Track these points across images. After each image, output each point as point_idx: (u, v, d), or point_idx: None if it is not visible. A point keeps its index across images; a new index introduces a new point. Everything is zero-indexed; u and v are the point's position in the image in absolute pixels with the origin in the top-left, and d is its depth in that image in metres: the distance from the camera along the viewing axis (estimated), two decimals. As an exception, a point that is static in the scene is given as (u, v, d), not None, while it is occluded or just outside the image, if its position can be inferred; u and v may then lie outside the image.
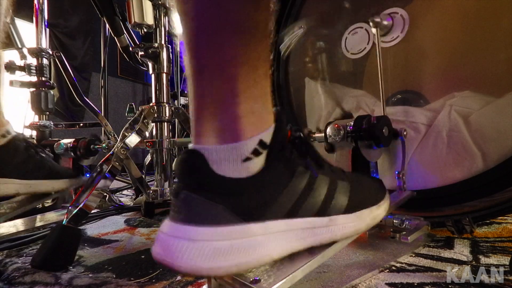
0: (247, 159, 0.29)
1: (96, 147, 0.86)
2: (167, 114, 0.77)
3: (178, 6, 0.30)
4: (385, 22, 0.62)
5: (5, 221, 0.68)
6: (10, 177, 0.62)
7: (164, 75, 0.78)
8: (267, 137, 0.31)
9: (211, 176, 0.29)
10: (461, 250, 0.49)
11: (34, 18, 0.98)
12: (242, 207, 0.29)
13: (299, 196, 0.32)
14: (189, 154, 0.30)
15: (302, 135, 0.35)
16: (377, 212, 0.39)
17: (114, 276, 0.43)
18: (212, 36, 0.29)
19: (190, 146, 0.32)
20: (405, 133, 0.53)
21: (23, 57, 0.99)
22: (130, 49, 0.93)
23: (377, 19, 0.59)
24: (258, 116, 0.31)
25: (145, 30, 0.77)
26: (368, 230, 0.52)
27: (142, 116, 0.72)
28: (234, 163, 0.29)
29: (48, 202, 0.87)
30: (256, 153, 0.30)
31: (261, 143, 0.30)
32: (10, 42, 0.99)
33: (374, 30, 0.60)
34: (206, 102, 0.31)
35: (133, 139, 0.66)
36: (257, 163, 0.30)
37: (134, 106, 1.37)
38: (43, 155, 0.73)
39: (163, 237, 0.29)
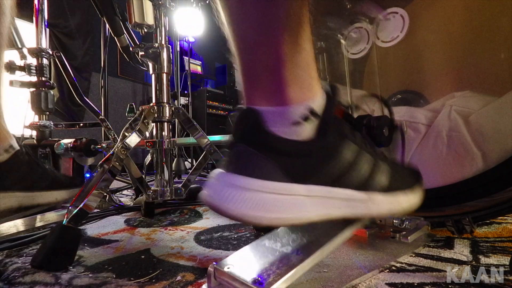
0: (297, 123, 0.31)
1: (96, 147, 0.86)
2: (167, 114, 0.77)
3: None
4: (353, 35, 0.63)
5: (5, 221, 0.68)
6: (12, 190, 0.62)
7: (164, 75, 0.78)
8: (316, 105, 0.32)
9: (267, 134, 0.31)
10: (461, 250, 0.49)
11: (34, 18, 0.98)
12: (292, 168, 0.31)
13: (344, 168, 0.34)
14: (245, 112, 0.32)
15: (351, 115, 0.37)
16: (412, 196, 0.40)
17: (114, 276, 0.43)
18: (251, 4, 0.30)
19: (241, 107, 0.34)
20: (404, 127, 0.53)
21: (23, 57, 0.98)
22: (130, 49, 0.93)
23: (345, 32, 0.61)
24: (304, 83, 0.32)
25: (145, 30, 0.77)
26: (368, 230, 0.52)
27: (142, 116, 0.72)
28: (284, 125, 0.31)
29: (48, 202, 0.87)
30: (305, 119, 0.31)
31: (311, 111, 0.31)
32: (10, 42, 0.99)
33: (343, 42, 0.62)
34: (254, 71, 0.33)
35: (133, 139, 0.66)
36: (307, 129, 0.32)
37: (134, 106, 1.37)
38: (46, 166, 0.73)
39: (215, 183, 0.31)
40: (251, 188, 0.30)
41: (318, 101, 0.32)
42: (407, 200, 0.39)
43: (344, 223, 0.39)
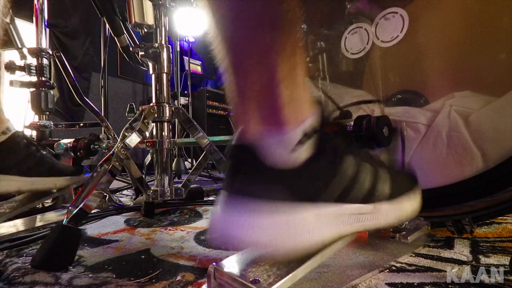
0: (294, 149, 0.31)
1: (96, 147, 0.86)
2: (167, 114, 0.77)
3: (208, 6, 0.31)
4: (353, 35, 0.63)
5: (5, 221, 0.68)
6: (11, 173, 0.62)
7: (165, 75, 0.78)
8: (310, 125, 0.32)
9: (264, 167, 0.30)
10: (461, 250, 0.49)
11: (34, 18, 0.98)
12: (296, 191, 0.31)
13: (347, 183, 0.33)
14: (238, 149, 0.32)
15: (338, 124, 0.36)
16: (414, 199, 0.40)
17: (114, 276, 0.43)
18: (244, 29, 0.30)
19: (236, 142, 0.33)
20: (404, 128, 0.53)
21: (23, 57, 0.99)
22: (130, 49, 0.93)
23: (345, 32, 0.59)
24: (299, 104, 0.32)
25: (145, 30, 0.77)
26: (368, 230, 0.52)
27: (142, 116, 0.72)
28: (283, 155, 0.31)
29: (48, 202, 0.87)
30: (302, 142, 0.31)
31: (306, 132, 0.31)
32: (10, 42, 0.99)
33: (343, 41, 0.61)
34: (248, 95, 0.32)
35: (133, 139, 0.66)
36: (305, 151, 0.31)
37: (134, 106, 1.37)
38: (44, 152, 0.73)
39: (222, 217, 0.31)
40: (262, 213, 0.30)
41: (310, 122, 0.32)
42: (410, 205, 0.39)
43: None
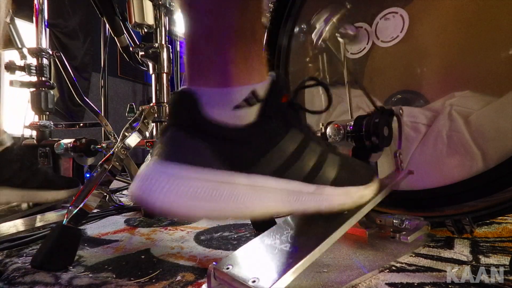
0: (238, 106, 0.28)
1: (96, 147, 0.86)
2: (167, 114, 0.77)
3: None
4: (353, 35, 0.63)
5: (5, 221, 0.68)
6: (3, 186, 0.62)
7: (165, 75, 0.78)
8: (260, 90, 0.30)
9: (201, 118, 0.28)
10: (461, 250, 0.49)
11: (34, 18, 0.98)
12: (231, 155, 0.28)
13: (288, 157, 0.31)
14: (181, 94, 0.29)
15: (298, 104, 0.35)
16: (364, 192, 0.39)
17: (114, 276, 0.43)
18: None
19: (183, 87, 0.31)
20: (401, 111, 0.52)
21: (23, 57, 0.99)
22: (130, 49, 0.93)
23: (343, 31, 0.60)
24: (251, 65, 0.30)
25: (145, 30, 0.77)
26: (368, 230, 0.52)
27: (143, 116, 0.72)
28: (224, 108, 0.28)
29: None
30: (248, 102, 0.29)
31: (254, 93, 0.29)
32: (10, 42, 0.99)
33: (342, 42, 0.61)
34: (201, 41, 0.30)
35: (133, 139, 0.66)
36: (249, 114, 0.29)
37: (134, 106, 1.37)
38: (39, 165, 0.73)
39: (144, 173, 0.27)
40: (185, 175, 0.26)
41: (263, 85, 0.30)
42: (359, 195, 0.38)
43: (340, 218, 0.39)
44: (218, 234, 0.62)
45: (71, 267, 0.46)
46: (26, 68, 0.93)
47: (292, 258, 0.33)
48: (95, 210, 0.83)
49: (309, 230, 0.39)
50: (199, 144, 0.28)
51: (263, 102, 0.30)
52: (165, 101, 0.77)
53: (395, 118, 0.52)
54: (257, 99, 0.29)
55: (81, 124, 1.39)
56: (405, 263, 0.44)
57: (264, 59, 0.32)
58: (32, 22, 0.98)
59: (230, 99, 0.28)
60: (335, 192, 0.35)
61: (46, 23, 1.00)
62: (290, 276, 0.31)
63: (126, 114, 1.36)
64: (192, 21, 0.30)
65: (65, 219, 0.51)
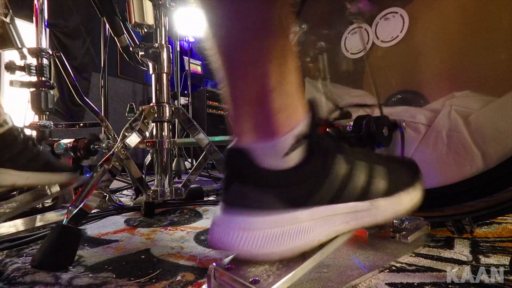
0: (287, 154, 0.31)
1: (96, 147, 0.86)
2: (167, 114, 0.77)
3: (202, 6, 0.31)
4: (353, 35, 0.63)
5: (5, 221, 0.68)
6: (6, 167, 0.61)
7: (165, 75, 0.78)
8: (302, 129, 0.32)
9: (260, 170, 0.31)
10: (461, 250, 0.49)
11: (34, 18, 0.98)
12: (290, 195, 0.32)
13: (340, 183, 0.34)
14: (235, 151, 0.33)
15: (333, 125, 0.37)
16: (414, 193, 0.40)
17: (114, 276, 0.43)
18: (237, 37, 0.31)
19: (231, 145, 0.34)
20: (403, 124, 0.52)
21: (23, 57, 0.99)
22: (130, 49, 0.93)
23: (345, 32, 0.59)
24: (291, 111, 0.32)
25: (145, 30, 0.77)
26: (368, 230, 0.52)
27: (142, 116, 0.72)
28: (276, 159, 0.32)
29: (48, 202, 0.87)
30: (294, 148, 0.32)
31: (298, 137, 0.32)
32: (10, 42, 0.99)
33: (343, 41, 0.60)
34: (242, 102, 0.33)
35: (133, 139, 0.66)
36: (297, 154, 0.32)
37: (134, 106, 1.37)
38: (41, 147, 0.72)
39: (219, 228, 0.32)
40: (254, 227, 0.31)
41: (303, 124, 0.33)
42: (410, 199, 0.39)
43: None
44: (218, 234, 0.62)
45: (71, 267, 0.46)
46: (26, 68, 0.93)
47: (293, 260, 0.33)
48: (95, 210, 0.83)
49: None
50: (261, 192, 0.32)
51: (307, 140, 0.32)
52: (165, 101, 0.77)
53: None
54: (301, 141, 0.32)
55: (81, 124, 1.39)
56: (405, 263, 0.44)
57: (301, 99, 0.34)
58: (32, 22, 0.98)
59: (279, 150, 0.31)
60: (387, 202, 0.37)
61: (46, 23, 1.00)
62: (291, 277, 0.31)
63: (126, 114, 1.36)
64: (230, 83, 0.33)
65: (65, 219, 0.51)
